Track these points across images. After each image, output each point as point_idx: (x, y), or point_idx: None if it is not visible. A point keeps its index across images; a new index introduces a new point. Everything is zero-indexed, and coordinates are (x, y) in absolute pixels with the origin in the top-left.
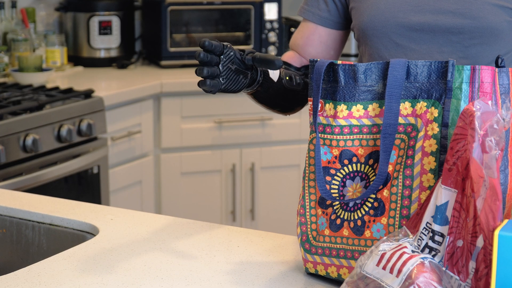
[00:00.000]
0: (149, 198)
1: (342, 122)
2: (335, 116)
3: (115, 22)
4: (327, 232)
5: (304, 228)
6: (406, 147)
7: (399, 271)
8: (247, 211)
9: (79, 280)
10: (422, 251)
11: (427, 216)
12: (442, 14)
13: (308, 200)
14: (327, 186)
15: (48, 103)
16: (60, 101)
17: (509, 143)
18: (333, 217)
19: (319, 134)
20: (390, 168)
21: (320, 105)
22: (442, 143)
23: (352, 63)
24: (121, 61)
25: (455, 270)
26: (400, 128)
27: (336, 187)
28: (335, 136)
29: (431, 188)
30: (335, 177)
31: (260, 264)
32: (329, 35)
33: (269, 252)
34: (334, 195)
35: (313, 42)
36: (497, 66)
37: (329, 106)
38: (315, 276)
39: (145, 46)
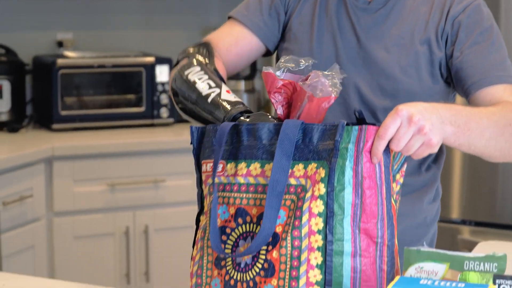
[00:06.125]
0: (42, 262)
1: (241, 180)
2: (235, 174)
3: (6, 86)
4: None
5: None
6: (295, 208)
7: None
8: (141, 273)
9: None
10: None
11: None
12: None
13: (206, 261)
14: (222, 245)
15: None
16: None
17: (396, 197)
18: (227, 278)
19: (219, 193)
20: (280, 229)
21: (221, 165)
22: (328, 203)
23: (255, 123)
24: (12, 125)
25: None
26: (292, 189)
27: (230, 246)
28: (233, 194)
29: (320, 249)
30: (230, 237)
31: None
32: (258, 49)
33: None
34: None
35: (241, 48)
36: (357, 119)
37: (230, 166)
38: None
39: (36, 110)
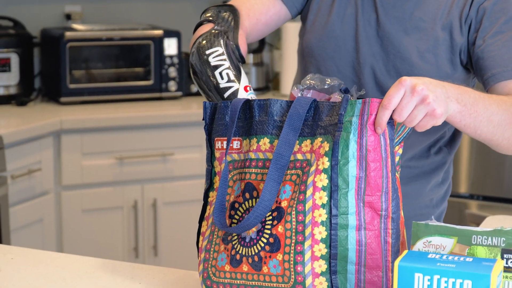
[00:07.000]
0: (51, 236)
1: (252, 155)
2: (249, 151)
3: (14, 59)
4: (227, 268)
5: (206, 265)
6: (300, 182)
7: None
8: (150, 247)
9: None
10: None
11: None
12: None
13: (215, 236)
14: (229, 220)
15: None
16: None
17: (397, 168)
18: (233, 252)
19: (236, 171)
20: (285, 203)
21: (239, 142)
22: (332, 177)
23: (267, 99)
24: (20, 98)
25: None
26: (298, 164)
27: (236, 221)
28: (245, 170)
29: (324, 224)
30: (238, 212)
31: None
32: (284, 18)
33: None
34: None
35: (271, 17)
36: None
37: (246, 143)
38: None
39: (44, 83)
